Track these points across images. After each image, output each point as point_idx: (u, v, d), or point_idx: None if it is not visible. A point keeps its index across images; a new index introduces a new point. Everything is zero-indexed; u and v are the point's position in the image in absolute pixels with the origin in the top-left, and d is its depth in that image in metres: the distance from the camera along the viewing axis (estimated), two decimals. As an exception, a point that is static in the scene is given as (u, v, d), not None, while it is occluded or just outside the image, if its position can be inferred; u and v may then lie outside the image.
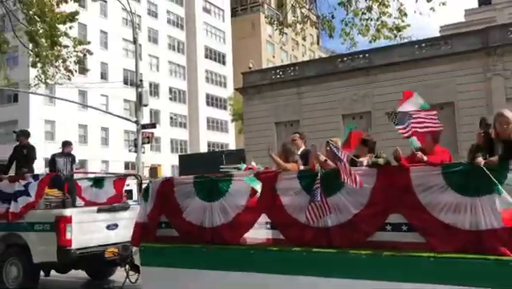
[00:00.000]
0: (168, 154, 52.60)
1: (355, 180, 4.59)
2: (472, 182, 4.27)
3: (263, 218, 5.41)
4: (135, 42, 24.33)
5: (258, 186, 5.21)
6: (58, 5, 11.17)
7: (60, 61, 11.97)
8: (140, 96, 23.50)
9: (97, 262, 8.25)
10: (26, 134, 10.12)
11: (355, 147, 5.33)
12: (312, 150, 6.14)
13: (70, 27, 11.72)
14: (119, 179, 9.48)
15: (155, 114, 51.52)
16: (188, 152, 53.83)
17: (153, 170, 26.41)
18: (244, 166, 6.46)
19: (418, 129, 4.72)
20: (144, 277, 6.18)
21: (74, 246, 7.49)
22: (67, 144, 10.16)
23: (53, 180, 8.75)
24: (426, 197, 4.45)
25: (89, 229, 7.82)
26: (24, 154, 9.53)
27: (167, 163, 47.06)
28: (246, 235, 5.47)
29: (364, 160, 5.25)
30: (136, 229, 6.28)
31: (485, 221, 4.17)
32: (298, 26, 10.15)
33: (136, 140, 23.82)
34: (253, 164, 6.47)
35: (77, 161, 10.55)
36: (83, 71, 27.73)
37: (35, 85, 13.23)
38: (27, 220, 7.88)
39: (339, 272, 4.63)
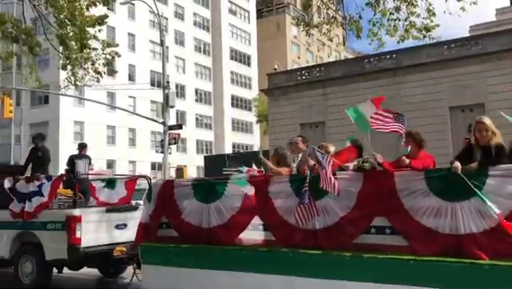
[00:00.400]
0: (194, 155, 53.02)
1: (334, 187, 4.74)
2: (452, 187, 4.39)
3: (257, 220, 5.64)
4: (162, 44, 24.65)
5: (247, 188, 5.50)
6: (87, 8, 11.38)
7: (89, 63, 12.20)
8: (166, 98, 23.79)
9: (106, 260, 8.46)
10: (41, 137, 10.51)
11: (344, 160, 5.51)
12: (302, 155, 6.34)
13: (99, 30, 11.92)
14: (131, 180, 9.72)
15: (181, 115, 52.03)
16: (214, 153, 54.14)
17: (179, 171, 26.67)
18: (245, 169, 6.59)
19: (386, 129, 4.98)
20: (144, 275, 6.45)
21: (83, 244, 7.74)
22: (83, 146, 10.57)
23: (67, 181, 9.09)
24: (409, 201, 4.60)
25: (98, 228, 8.07)
26: (39, 156, 9.86)
27: (192, 164, 47.45)
28: (242, 236, 5.70)
29: (351, 164, 5.40)
30: (139, 229, 6.61)
31: (464, 225, 4.29)
32: (325, 27, 10.09)
33: (162, 140, 24.11)
34: (254, 167, 6.63)
35: (92, 162, 10.95)
36: (112, 72, 28.21)
37: (65, 87, 13.52)
38: (41, 219, 8.16)
39: (324, 273, 4.81)
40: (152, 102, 47.27)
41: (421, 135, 5.29)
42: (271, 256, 5.24)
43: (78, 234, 7.67)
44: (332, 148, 6.18)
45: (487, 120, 4.73)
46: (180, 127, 25.83)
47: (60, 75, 16.84)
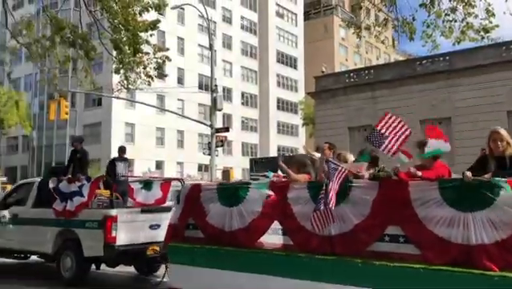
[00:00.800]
0: (240, 157, 53.41)
1: (331, 202, 4.87)
2: (465, 197, 4.40)
3: (276, 225, 5.81)
4: (211, 48, 25.01)
5: (267, 191, 5.77)
6: (140, 14, 11.66)
7: (141, 67, 12.49)
8: (214, 101, 24.10)
9: (141, 259, 8.78)
10: (80, 140, 11.01)
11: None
12: (319, 163, 6.47)
13: (151, 35, 12.19)
14: (166, 182, 10.03)
15: (227, 118, 52.57)
16: (259, 155, 54.28)
17: (226, 173, 26.86)
18: (272, 174, 6.73)
19: (396, 145, 4.98)
20: (171, 274, 6.71)
21: (118, 242, 8.10)
22: (123, 150, 11.00)
23: (107, 181, 9.58)
24: (423, 210, 4.64)
25: (133, 228, 8.41)
26: (78, 158, 10.26)
27: (238, 166, 47.81)
28: (262, 239, 5.86)
29: (366, 173, 5.45)
30: (168, 229, 6.88)
31: (475, 235, 4.29)
32: (377, 29, 9.84)
33: (209, 143, 24.43)
34: (280, 172, 6.71)
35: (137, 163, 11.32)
36: (162, 76, 28.89)
37: (118, 90, 13.91)
38: (80, 218, 8.61)
39: (336, 279, 4.92)
40: (200, 105, 48.09)
41: None
42: (288, 260, 5.42)
43: (113, 233, 8.06)
44: (351, 157, 6.32)
45: (502, 131, 4.77)
46: (227, 129, 26.07)
47: (113, 79, 17.43)
